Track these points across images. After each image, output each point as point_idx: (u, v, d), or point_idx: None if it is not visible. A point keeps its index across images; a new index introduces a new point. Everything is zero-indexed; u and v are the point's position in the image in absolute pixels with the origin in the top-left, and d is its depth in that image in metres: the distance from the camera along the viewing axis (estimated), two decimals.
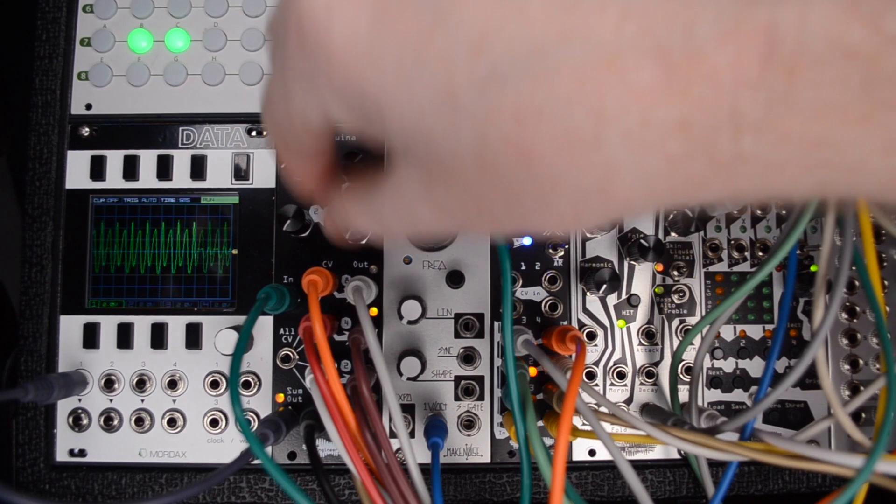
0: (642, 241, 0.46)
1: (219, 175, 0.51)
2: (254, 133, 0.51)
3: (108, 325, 0.50)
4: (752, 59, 0.16)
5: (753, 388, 0.50)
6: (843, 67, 0.15)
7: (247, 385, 0.49)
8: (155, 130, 0.51)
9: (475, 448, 0.49)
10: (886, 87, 0.16)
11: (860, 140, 0.16)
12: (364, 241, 0.34)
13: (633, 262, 0.51)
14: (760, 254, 0.51)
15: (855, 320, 0.51)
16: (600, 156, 0.18)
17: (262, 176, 0.50)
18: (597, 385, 0.50)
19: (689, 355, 0.50)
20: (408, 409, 0.49)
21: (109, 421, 0.49)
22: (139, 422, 0.49)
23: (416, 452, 0.38)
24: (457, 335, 0.50)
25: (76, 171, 0.51)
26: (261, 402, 0.49)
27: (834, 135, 0.16)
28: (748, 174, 0.18)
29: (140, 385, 0.49)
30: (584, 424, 0.44)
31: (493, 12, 0.18)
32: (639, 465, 0.50)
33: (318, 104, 0.23)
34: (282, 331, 0.50)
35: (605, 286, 0.46)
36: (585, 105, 0.17)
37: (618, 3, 0.17)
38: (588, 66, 0.17)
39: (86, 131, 0.51)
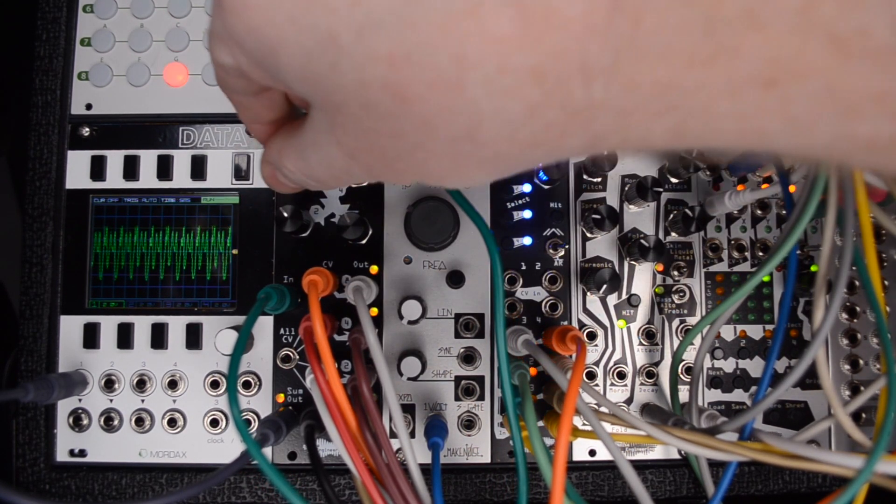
0: (642, 241, 0.46)
1: (219, 175, 0.51)
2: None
3: (109, 325, 0.50)
4: (599, 9, 0.17)
5: (753, 388, 0.50)
6: (685, 12, 0.16)
7: (247, 385, 0.49)
8: (155, 130, 0.51)
9: (475, 448, 0.49)
10: (727, 30, 0.16)
11: (705, 83, 0.17)
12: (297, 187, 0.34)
13: (633, 262, 0.51)
14: (760, 254, 0.51)
15: (855, 320, 0.51)
16: (464, 100, 0.19)
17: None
18: (597, 385, 0.50)
19: (689, 355, 0.50)
20: (408, 409, 0.49)
21: (110, 421, 0.49)
22: (139, 422, 0.49)
23: (416, 452, 0.38)
24: (457, 335, 0.50)
25: (76, 171, 0.51)
26: (261, 403, 0.49)
27: (679, 79, 0.18)
28: (603, 120, 0.19)
29: (140, 385, 0.49)
30: (584, 424, 0.44)
31: None
32: (639, 465, 0.50)
33: (229, 57, 0.24)
34: (282, 331, 0.50)
35: (605, 286, 0.46)
36: (449, 50, 0.18)
37: None
38: (452, 13, 0.18)
39: (86, 131, 0.51)
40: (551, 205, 0.51)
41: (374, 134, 0.22)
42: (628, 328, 0.51)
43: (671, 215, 0.50)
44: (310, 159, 0.27)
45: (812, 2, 0.16)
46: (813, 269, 0.50)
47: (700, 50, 0.17)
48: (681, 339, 0.50)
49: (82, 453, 0.49)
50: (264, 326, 0.50)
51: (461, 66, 0.18)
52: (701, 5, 0.16)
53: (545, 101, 0.19)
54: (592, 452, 0.50)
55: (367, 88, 0.20)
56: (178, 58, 0.51)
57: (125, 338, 0.49)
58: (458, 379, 0.49)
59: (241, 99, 0.29)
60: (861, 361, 0.50)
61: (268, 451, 0.49)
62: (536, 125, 0.20)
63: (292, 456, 0.49)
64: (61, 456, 0.49)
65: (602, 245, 0.51)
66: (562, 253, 0.50)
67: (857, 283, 0.51)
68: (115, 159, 0.51)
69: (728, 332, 0.51)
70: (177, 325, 0.50)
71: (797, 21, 0.16)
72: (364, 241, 0.50)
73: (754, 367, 0.51)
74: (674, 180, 0.51)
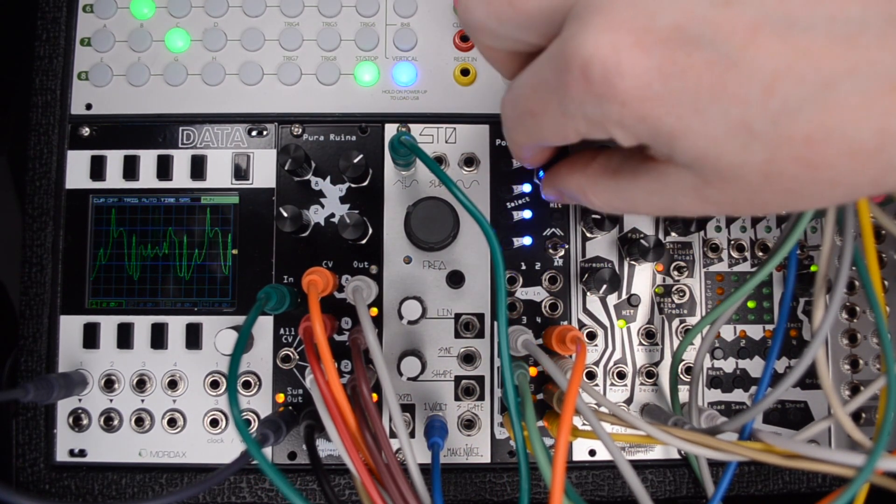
0: (642, 241, 0.46)
1: (219, 175, 0.51)
2: (254, 133, 0.51)
3: (108, 325, 0.50)
4: None
5: (753, 388, 0.50)
6: None
7: (247, 385, 0.49)
8: (155, 130, 0.51)
9: (475, 448, 0.49)
10: None
11: None
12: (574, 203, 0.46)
13: (633, 262, 0.50)
14: (760, 254, 0.51)
15: (855, 320, 0.51)
16: (880, 161, 0.22)
17: (262, 176, 0.50)
18: (597, 385, 0.50)
19: (689, 355, 0.50)
20: (408, 409, 0.49)
21: (109, 421, 0.49)
22: (139, 422, 0.49)
23: (416, 452, 0.38)
24: (457, 335, 0.50)
25: (76, 171, 0.51)
26: (261, 403, 0.49)
27: None
28: None
29: (140, 385, 0.49)
30: (584, 424, 0.44)
31: (781, 55, 0.22)
32: (639, 465, 0.50)
33: (599, 132, 0.27)
34: (282, 331, 0.50)
35: (605, 286, 0.46)
36: (871, 125, 0.21)
37: None
38: (874, 92, 0.21)
39: (86, 131, 0.51)
40: (551, 205, 0.51)
41: (759, 193, 0.25)
42: (628, 328, 0.51)
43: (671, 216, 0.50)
44: (638, 199, 0.30)
45: None
46: (813, 269, 0.50)
47: None
48: (681, 339, 0.50)
49: (82, 453, 0.49)
50: (264, 326, 0.50)
51: (883, 137, 0.22)
52: None
53: None
54: (592, 452, 0.50)
55: (774, 164, 0.23)
56: (177, 58, 0.51)
57: (125, 338, 0.49)
58: (458, 379, 0.49)
59: (537, 155, 0.35)
60: (861, 361, 0.50)
61: (268, 451, 0.49)
62: None
63: (292, 456, 0.49)
64: (61, 456, 0.49)
65: (602, 245, 0.51)
66: (562, 253, 0.50)
67: (857, 283, 0.51)
68: (114, 159, 0.51)
69: (728, 332, 0.51)
70: (177, 325, 0.50)
71: None
72: (364, 241, 0.49)
73: (754, 367, 0.51)
74: None
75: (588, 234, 0.51)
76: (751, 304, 0.51)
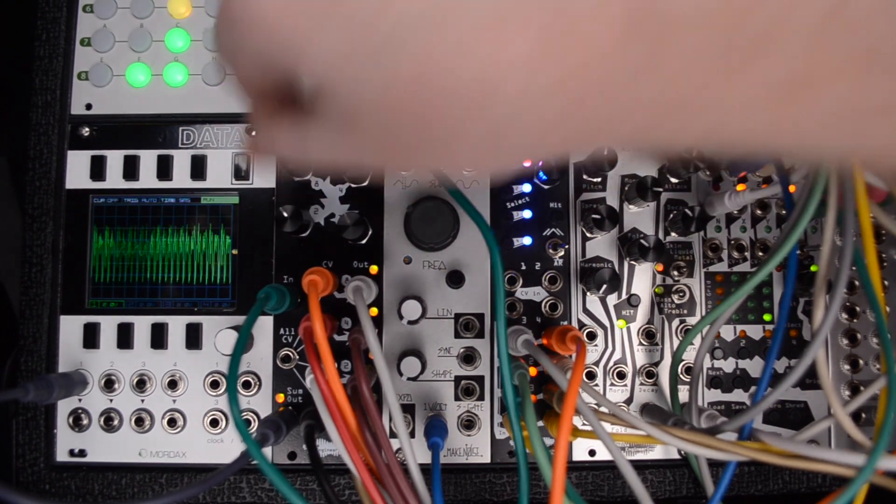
0: (642, 241, 0.46)
1: (219, 175, 0.51)
2: (254, 133, 0.51)
3: (108, 325, 0.50)
4: (616, 30, 0.17)
5: (753, 388, 0.50)
6: (705, 35, 0.17)
7: (247, 385, 0.49)
8: (155, 130, 0.51)
9: (475, 448, 0.49)
10: (744, 51, 0.17)
11: (721, 99, 0.18)
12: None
13: (633, 262, 0.50)
14: (760, 254, 0.51)
15: (855, 320, 0.51)
16: (489, 114, 0.20)
17: (262, 176, 0.50)
18: (597, 385, 0.50)
19: (689, 355, 0.50)
20: (408, 409, 0.49)
21: (109, 421, 0.49)
22: (139, 422, 0.49)
23: (416, 452, 0.38)
24: (457, 335, 0.50)
25: (76, 171, 0.51)
26: (261, 402, 0.49)
27: (694, 96, 0.18)
28: (634, 121, 0.20)
29: (140, 385, 0.49)
30: (584, 424, 0.44)
31: None
32: (639, 465, 0.50)
33: (250, 62, 0.25)
34: (282, 331, 0.50)
35: (605, 286, 0.46)
36: (471, 72, 0.18)
37: None
38: (473, 33, 0.18)
39: (86, 131, 0.51)
40: (551, 205, 0.51)
41: (395, 130, 0.22)
42: (628, 328, 0.51)
43: (671, 215, 0.50)
44: (311, 145, 0.28)
45: (824, 24, 0.16)
46: (813, 269, 0.50)
47: (716, 69, 0.17)
48: (681, 339, 0.50)
49: (82, 453, 0.49)
50: (264, 326, 0.50)
51: (483, 87, 0.19)
52: (721, 28, 0.17)
53: (568, 112, 0.19)
54: (592, 452, 0.50)
55: (390, 98, 0.21)
56: (177, 58, 0.51)
57: (125, 338, 0.49)
58: (457, 379, 0.49)
59: (252, 82, 0.30)
60: (861, 361, 0.50)
61: (268, 451, 0.49)
62: (563, 131, 0.20)
63: (292, 456, 0.49)
64: (61, 456, 0.49)
65: (602, 245, 0.51)
66: (562, 253, 0.50)
67: (857, 283, 0.51)
68: (114, 159, 0.51)
69: (728, 332, 0.51)
70: (177, 325, 0.50)
71: (811, 41, 0.17)
72: (364, 241, 0.50)
73: (754, 367, 0.51)
74: (674, 180, 0.51)
75: (588, 234, 0.51)
76: (761, 306, 0.51)
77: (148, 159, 0.50)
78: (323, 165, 0.29)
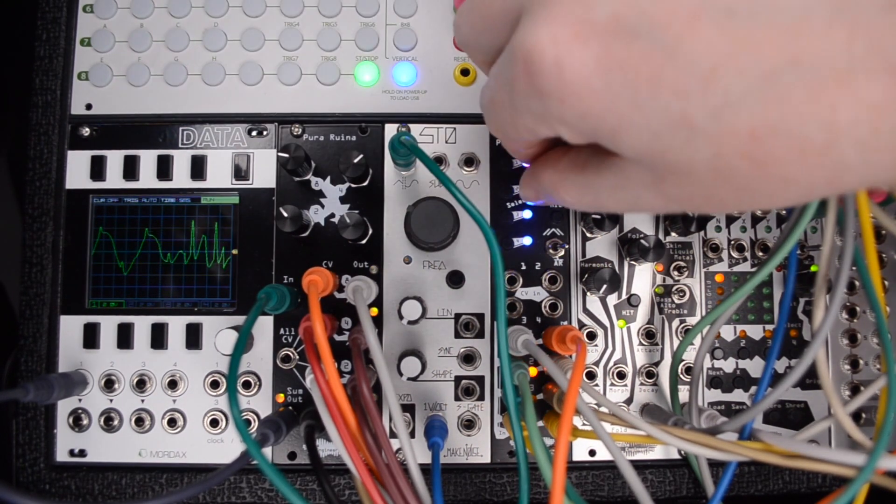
0: (642, 241, 0.46)
1: (219, 175, 0.51)
2: (254, 133, 0.51)
3: (108, 325, 0.50)
4: None
5: (753, 388, 0.50)
6: None
7: (247, 385, 0.49)
8: (155, 130, 0.51)
9: (475, 448, 0.49)
10: None
11: None
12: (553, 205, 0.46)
13: (633, 262, 0.50)
14: (760, 254, 0.51)
15: (855, 320, 0.51)
16: (831, 159, 0.21)
17: (262, 176, 0.50)
18: (597, 385, 0.50)
19: (689, 355, 0.50)
20: (408, 409, 0.49)
21: (109, 421, 0.49)
22: (139, 422, 0.49)
23: (416, 452, 0.38)
24: (457, 335, 0.50)
25: (76, 171, 0.51)
26: (261, 402, 0.49)
27: None
28: None
29: (140, 385, 0.49)
30: (584, 424, 0.44)
31: (720, 45, 0.21)
32: (639, 465, 0.50)
33: (546, 129, 0.27)
34: (282, 331, 0.50)
35: (605, 286, 0.46)
36: (818, 120, 0.20)
37: (844, 23, 0.19)
38: (820, 85, 0.20)
39: (86, 131, 0.51)
40: (550, 205, 0.51)
41: (714, 189, 0.24)
42: (628, 328, 0.51)
43: (671, 215, 0.50)
44: (604, 195, 0.29)
45: None
46: (813, 269, 0.50)
47: None
48: (681, 339, 0.50)
49: (82, 453, 0.49)
50: (264, 326, 0.50)
51: (831, 132, 0.20)
52: None
53: None
54: (592, 452, 0.50)
55: (721, 160, 0.22)
56: (177, 58, 0.51)
57: (125, 338, 0.49)
58: (458, 379, 0.49)
59: (512, 147, 0.32)
60: (861, 361, 0.50)
61: (268, 451, 0.49)
62: None
63: (292, 456, 0.49)
64: (61, 456, 0.49)
65: (602, 245, 0.51)
66: (562, 253, 0.50)
67: (857, 283, 0.51)
68: (114, 159, 0.51)
69: (728, 332, 0.51)
70: (177, 325, 0.50)
71: None
72: (364, 241, 0.49)
73: (754, 367, 0.51)
74: None
75: (588, 234, 0.51)
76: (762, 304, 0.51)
77: (148, 159, 0.50)
78: (610, 211, 0.31)
